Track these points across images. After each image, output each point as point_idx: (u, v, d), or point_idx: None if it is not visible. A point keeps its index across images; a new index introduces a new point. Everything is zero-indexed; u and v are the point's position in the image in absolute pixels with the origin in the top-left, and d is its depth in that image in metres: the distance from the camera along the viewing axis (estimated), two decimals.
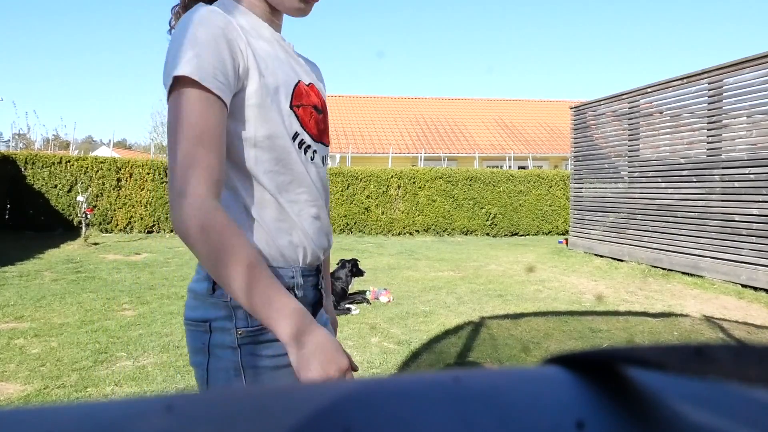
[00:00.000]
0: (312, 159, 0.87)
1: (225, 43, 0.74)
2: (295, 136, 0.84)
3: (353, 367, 0.78)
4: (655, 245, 6.62)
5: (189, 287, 0.86)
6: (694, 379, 0.25)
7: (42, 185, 9.42)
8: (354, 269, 4.59)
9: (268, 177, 0.81)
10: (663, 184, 6.54)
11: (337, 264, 4.64)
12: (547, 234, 11.51)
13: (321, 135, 0.90)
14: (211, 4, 0.82)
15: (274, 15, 0.89)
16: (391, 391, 0.24)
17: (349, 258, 4.80)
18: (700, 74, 6.07)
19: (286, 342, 0.69)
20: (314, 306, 0.92)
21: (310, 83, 0.90)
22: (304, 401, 0.24)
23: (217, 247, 0.69)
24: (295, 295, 0.83)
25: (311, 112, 0.87)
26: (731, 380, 0.20)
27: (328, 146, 0.94)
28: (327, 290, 1.02)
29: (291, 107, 0.83)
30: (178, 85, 0.72)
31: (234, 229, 0.71)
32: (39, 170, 9.42)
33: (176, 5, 0.92)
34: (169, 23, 0.91)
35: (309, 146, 0.86)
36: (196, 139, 0.70)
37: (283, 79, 0.83)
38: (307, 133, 0.86)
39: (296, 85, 0.85)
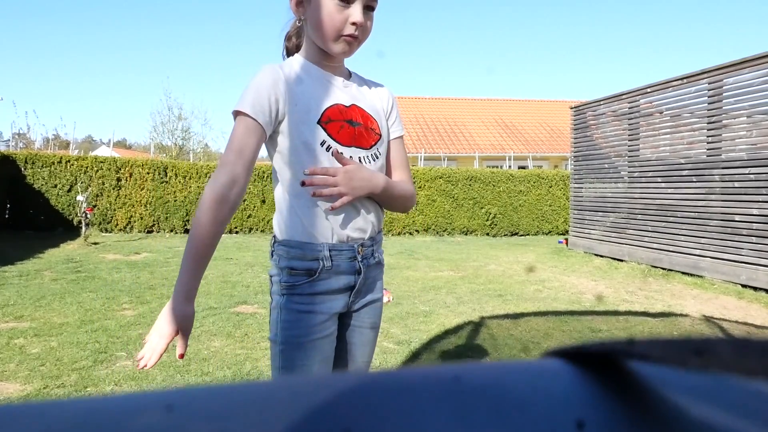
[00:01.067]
0: None
1: (265, 90, 1.11)
2: (323, 143, 1.15)
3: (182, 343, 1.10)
4: (655, 245, 6.62)
5: None
6: (695, 372, 0.25)
7: (42, 185, 9.42)
8: None
9: (303, 173, 1.14)
10: (663, 184, 6.54)
11: None
12: (547, 234, 11.51)
13: (353, 141, 1.19)
14: (293, 54, 1.26)
15: (326, 59, 1.21)
16: (391, 387, 0.24)
17: None
18: (699, 74, 6.07)
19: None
20: (351, 275, 1.20)
21: (351, 104, 1.21)
22: (304, 397, 0.24)
23: (200, 215, 1.05)
24: (323, 266, 1.15)
25: (342, 125, 1.18)
26: (732, 373, 0.20)
27: (367, 149, 1.22)
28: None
29: (318, 123, 1.15)
30: (237, 115, 1.11)
31: (205, 208, 1.04)
32: (39, 170, 9.42)
33: (282, 51, 1.33)
34: (282, 56, 1.33)
35: (336, 150, 1.16)
36: (232, 150, 1.09)
37: (314, 105, 1.15)
38: (334, 140, 1.16)
39: (329, 107, 1.17)
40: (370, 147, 1.22)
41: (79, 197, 8.66)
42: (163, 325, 1.05)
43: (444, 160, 16.50)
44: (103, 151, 22.33)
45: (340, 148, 1.16)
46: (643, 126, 7.09)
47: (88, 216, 8.56)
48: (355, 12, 1.12)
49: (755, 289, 5.16)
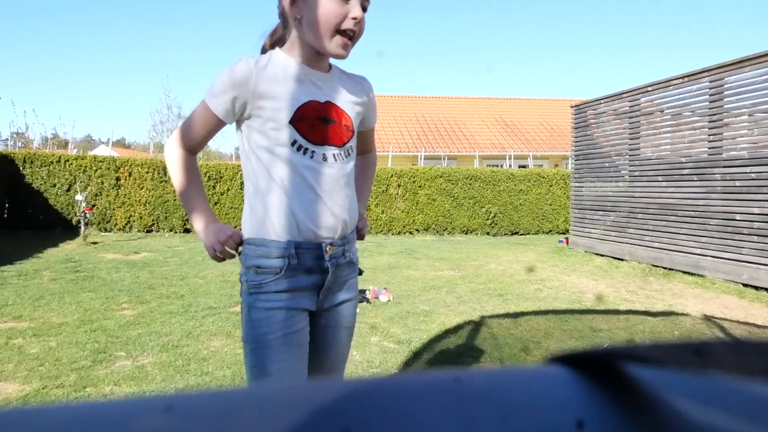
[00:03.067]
0: (311, 158, 1.17)
1: (231, 88, 1.14)
2: (294, 143, 1.16)
3: (234, 237, 1.18)
4: (656, 244, 6.62)
5: None
6: (695, 374, 0.25)
7: (41, 184, 9.42)
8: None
9: (274, 171, 1.16)
10: (664, 183, 6.54)
11: None
12: (547, 233, 11.51)
13: (326, 139, 1.19)
14: (274, 47, 1.24)
15: (314, 58, 1.20)
16: (392, 391, 0.24)
17: None
18: (701, 73, 6.06)
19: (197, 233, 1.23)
20: (319, 273, 1.20)
21: (326, 101, 1.20)
22: (304, 400, 0.23)
23: (173, 173, 1.24)
24: (289, 263, 1.16)
25: (313, 124, 1.17)
26: (731, 374, 0.20)
27: (340, 146, 1.22)
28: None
29: (290, 122, 1.15)
30: (203, 101, 1.19)
31: (181, 163, 1.23)
32: (38, 169, 9.41)
33: (263, 45, 1.32)
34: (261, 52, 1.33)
35: (307, 149, 1.16)
36: (187, 125, 1.23)
37: (286, 104, 1.15)
38: (306, 139, 1.16)
39: (303, 105, 1.16)
40: (344, 144, 1.23)
41: (78, 197, 8.67)
42: (215, 235, 1.18)
43: (444, 159, 16.50)
44: (102, 151, 22.31)
45: (312, 147, 1.17)
46: (644, 125, 7.09)
47: (87, 215, 8.56)
48: (355, 8, 1.12)
49: (756, 288, 5.16)
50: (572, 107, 8.71)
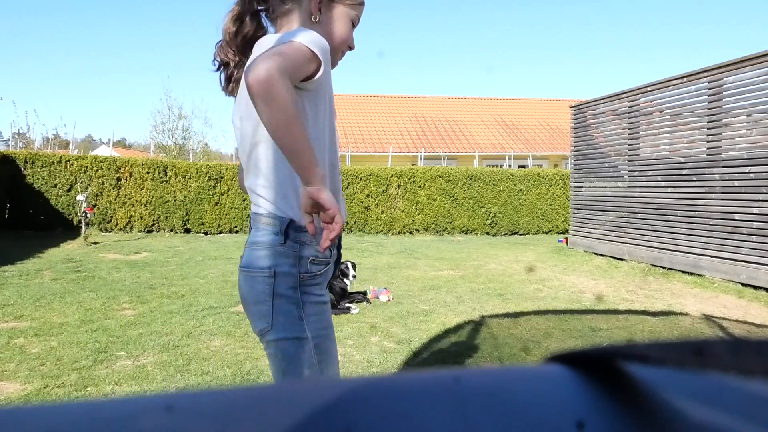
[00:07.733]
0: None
1: (326, 62, 1.06)
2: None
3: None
4: (655, 244, 6.62)
5: (253, 241, 1.12)
6: (694, 373, 0.25)
7: (42, 184, 9.41)
8: (343, 270, 4.52)
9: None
10: (663, 183, 6.54)
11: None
12: (547, 233, 11.51)
13: None
14: (247, 38, 1.22)
15: None
16: (392, 390, 0.24)
17: (346, 259, 4.81)
18: (700, 73, 6.06)
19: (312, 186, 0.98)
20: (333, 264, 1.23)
21: None
22: (305, 400, 0.24)
23: (294, 111, 0.93)
24: (333, 254, 1.20)
25: None
26: (730, 373, 0.20)
27: None
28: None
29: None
30: (310, 50, 1.01)
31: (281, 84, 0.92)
32: (39, 169, 9.41)
33: (229, 30, 1.20)
34: (213, 57, 1.24)
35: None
36: (295, 66, 0.97)
37: (329, 90, 1.16)
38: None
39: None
40: None
41: (79, 197, 8.66)
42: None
43: (444, 159, 16.49)
44: (102, 151, 22.32)
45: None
46: (643, 125, 7.09)
47: (88, 216, 8.56)
48: (353, 36, 1.28)
49: (755, 287, 5.16)
50: (572, 107, 8.70)
